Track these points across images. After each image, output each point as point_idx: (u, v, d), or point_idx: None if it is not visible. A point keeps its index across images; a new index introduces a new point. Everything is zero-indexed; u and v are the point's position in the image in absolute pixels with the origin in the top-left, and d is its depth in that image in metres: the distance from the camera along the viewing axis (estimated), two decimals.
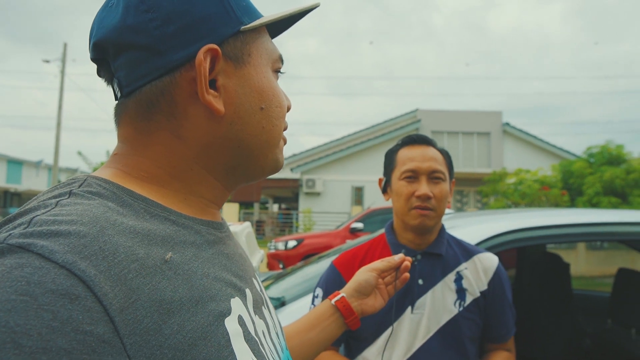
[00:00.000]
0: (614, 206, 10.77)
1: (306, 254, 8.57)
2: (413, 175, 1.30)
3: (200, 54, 0.51)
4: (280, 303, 1.70)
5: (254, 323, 0.55)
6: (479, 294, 1.32)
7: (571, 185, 12.21)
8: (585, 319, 2.96)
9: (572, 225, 1.86)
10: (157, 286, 0.41)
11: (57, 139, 19.57)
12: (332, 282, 1.33)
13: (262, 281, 2.34)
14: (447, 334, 1.27)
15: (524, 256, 2.92)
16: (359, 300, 0.94)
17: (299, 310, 1.51)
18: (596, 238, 2.02)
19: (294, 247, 8.90)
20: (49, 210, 0.42)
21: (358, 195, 18.63)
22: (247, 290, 0.57)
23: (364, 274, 0.97)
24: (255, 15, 0.58)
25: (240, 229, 2.85)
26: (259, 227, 19.56)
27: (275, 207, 27.53)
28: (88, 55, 0.56)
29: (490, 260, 1.37)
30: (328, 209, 18.27)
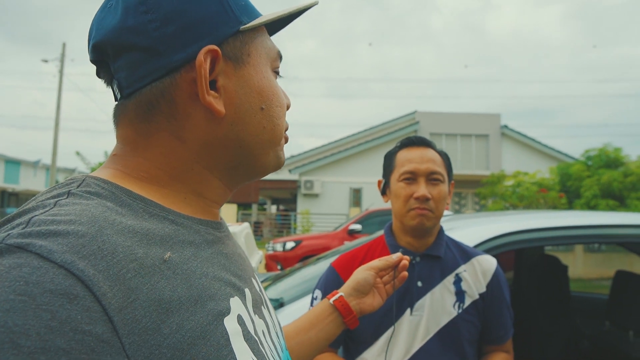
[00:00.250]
0: (612, 209, 10.78)
1: (304, 256, 8.56)
2: (411, 177, 1.30)
3: (201, 55, 0.51)
4: (278, 304, 1.70)
5: (253, 323, 0.54)
6: (477, 296, 1.32)
7: (569, 188, 12.22)
8: (583, 321, 2.97)
9: (570, 228, 1.87)
10: (155, 286, 0.41)
11: (55, 139, 19.54)
12: (331, 283, 1.33)
13: (261, 282, 2.34)
14: (446, 336, 1.27)
15: (522, 258, 2.93)
16: (357, 300, 0.94)
17: (297, 312, 1.51)
18: (594, 240, 2.02)
19: (292, 248, 8.89)
20: (47, 210, 0.42)
21: (356, 196, 18.63)
22: (247, 290, 0.57)
23: (362, 272, 0.97)
24: (254, 14, 0.58)
25: (239, 230, 2.84)
26: (257, 228, 19.55)
27: (273, 208, 27.52)
28: (87, 55, 0.56)
29: (489, 263, 1.37)
30: (326, 210, 18.27)
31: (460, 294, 1.31)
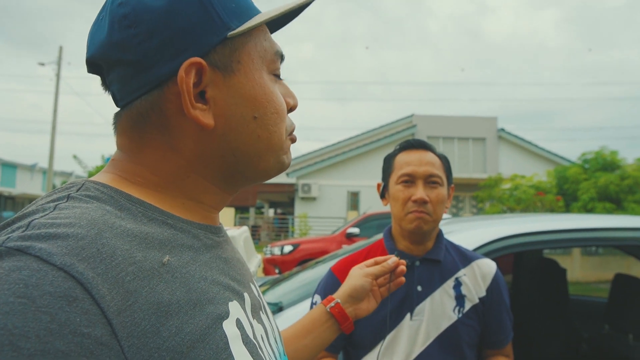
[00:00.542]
0: (609, 212, 10.81)
1: (302, 259, 8.56)
2: (410, 180, 1.30)
3: (182, 71, 0.50)
4: (277, 308, 1.69)
5: (252, 327, 0.54)
6: (477, 301, 1.32)
7: (566, 191, 12.26)
8: (582, 324, 2.97)
9: (568, 231, 1.87)
10: (154, 289, 0.42)
11: (52, 143, 19.51)
12: (330, 288, 1.32)
13: (259, 286, 2.33)
14: (446, 340, 1.26)
15: (521, 262, 2.93)
16: (353, 306, 0.94)
17: (296, 316, 1.50)
18: (593, 243, 2.03)
19: (290, 252, 8.89)
20: (47, 214, 0.42)
21: (354, 200, 18.64)
22: (246, 295, 0.57)
23: (359, 279, 0.96)
24: (247, 14, 0.55)
25: (238, 234, 2.84)
26: (254, 232, 19.53)
27: (271, 212, 27.50)
28: (84, 59, 0.56)
29: (488, 267, 1.37)
30: (324, 214, 18.26)
31: (460, 298, 1.31)
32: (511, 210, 11.98)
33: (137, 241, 0.44)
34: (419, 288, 1.30)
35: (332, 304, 0.93)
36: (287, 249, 8.97)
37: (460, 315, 1.29)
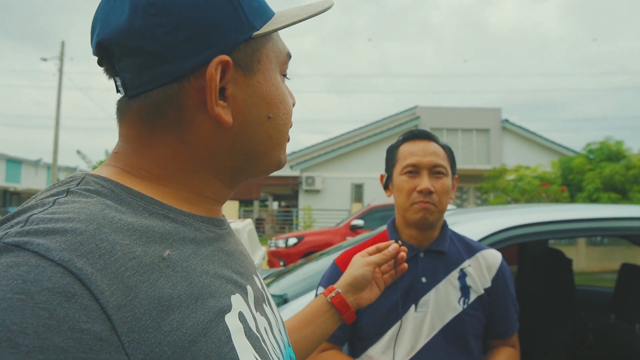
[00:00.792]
0: (614, 202, 10.76)
1: (306, 252, 8.58)
2: (414, 170, 1.29)
3: (212, 67, 0.49)
4: (282, 300, 1.69)
5: (255, 319, 0.54)
6: (482, 291, 1.31)
7: (571, 182, 12.20)
8: (588, 315, 2.96)
9: (574, 221, 1.86)
10: (155, 283, 0.41)
11: (56, 138, 19.57)
12: (333, 280, 1.31)
13: (264, 279, 2.33)
14: (451, 331, 1.26)
15: (526, 252, 2.92)
16: (354, 295, 0.94)
17: (301, 308, 1.50)
18: (598, 233, 2.02)
19: (295, 244, 8.91)
20: (46, 209, 0.42)
21: (358, 192, 18.64)
22: (248, 287, 0.56)
23: (360, 269, 0.96)
24: (267, 14, 0.55)
25: (242, 226, 2.83)
26: (259, 224, 19.58)
27: (275, 205, 27.55)
28: (86, 53, 0.55)
29: (493, 257, 1.36)
30: (328, 206, 18.29)
31: (465, 289, 1.30)
32: (515, 201, 11.95)
33: (138, 235, 0.43)
34: (424, 279, 1.29)
35: (333, 293, 0.93)
36: (292, 241, 8.99)
37: (465, 306, 1.28)
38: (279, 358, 0.58)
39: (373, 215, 9.55)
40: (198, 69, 0.50)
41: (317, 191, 18.57)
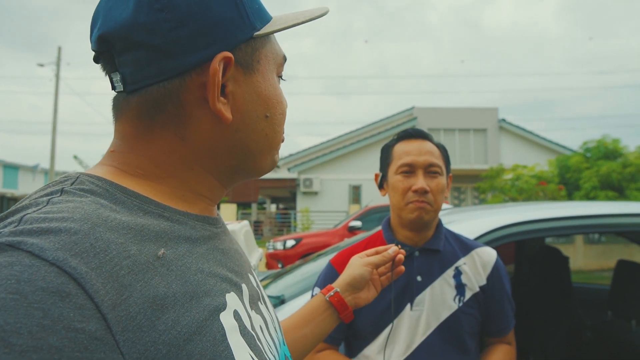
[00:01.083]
0: (611, 200, 10.78)
1: (305, 253, 8.56)
2: (409, 170, 1.29)
3: (216, 63, 0.50)
4: (279, 301, 1.69)
5: (250, 317, 0.54)
6: (478, 289, 1.32)
7: (568, 180, 12.21)
8: (585, 312, 2.96)
9: (570, 218, 1.86)
10: (150, 282, 0.41)
11: (53, 143, 19.51)
12: (330, 280, 1.32)
13: (261, 280, 2.33)
14: (447, 329, 1.26)
15: (523, 250, 2.92)
16: (352, 295, 0.94)
17: (298, 308, 1.50)
18: (595, 230, 2.02)
19: (293, 246, 8.90)
20: (40, 208, 0.42)
21: (355, 193, 18.63)
22: (243, 286, 0.57)
23: (358, 269, 0.96)
24: (266, 17, 0.57)
25: (239, 228, 2.84)
26: (257, 227, 19.55)
27: (273, 207, 27.52)
28: (83, 59, 0.55)
29: (488, 255, 1.36)
30: (326, 208, 18.27)
31: (460, 287, 1.30)
32: (513, 200, 11.96)
33: (132, 234, 0.43)
34: (419, 278, 1.29)
35: (331, 292, 0.93)
36: (290, 243, 8.98)
37: (460, 304, 1.29)
38: (274, 356, 0.58)
39: (371, 217, 9.55)
40: (200, 65, 0.50)
41: (315, 193, 18.55)
